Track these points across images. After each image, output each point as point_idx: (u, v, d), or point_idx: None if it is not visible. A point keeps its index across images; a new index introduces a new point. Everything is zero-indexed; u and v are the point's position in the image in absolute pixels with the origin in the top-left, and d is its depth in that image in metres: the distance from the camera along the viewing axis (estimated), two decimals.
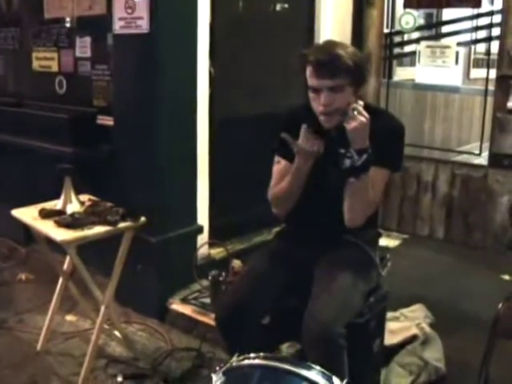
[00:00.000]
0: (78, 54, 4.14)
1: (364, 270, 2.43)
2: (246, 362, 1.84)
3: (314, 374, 1.75)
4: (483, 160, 4.73)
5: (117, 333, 3.43)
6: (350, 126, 2.20)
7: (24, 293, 4.08)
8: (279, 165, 2.51)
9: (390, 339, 2.95)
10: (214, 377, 1.78)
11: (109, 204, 3.15)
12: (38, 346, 3.37)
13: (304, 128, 2.30)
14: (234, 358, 1.87)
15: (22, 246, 4.64)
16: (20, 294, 4.06)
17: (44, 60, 4.46)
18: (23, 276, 4.27)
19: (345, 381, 1.76)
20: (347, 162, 2.26)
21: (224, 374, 1.80)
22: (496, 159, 4.57)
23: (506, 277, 4.05)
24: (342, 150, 2.27)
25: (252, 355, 1.85)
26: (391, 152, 2.41)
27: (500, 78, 4.47)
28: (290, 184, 2.41)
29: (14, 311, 3.78)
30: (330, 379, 1.75)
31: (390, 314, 3.08)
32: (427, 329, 3.11)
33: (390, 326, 3.02)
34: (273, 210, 2.54)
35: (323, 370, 1.77)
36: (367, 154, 2.22)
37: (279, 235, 2.71)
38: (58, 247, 3.05)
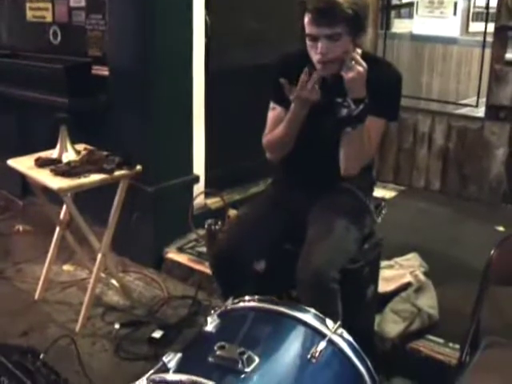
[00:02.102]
0: (72, 3, 4.06)
1: (358, 216, 2.44)
2: (241, 304, 1.87)
3: (309, 316, 1.78)
4: (480, 112, 4.69)
5: (114, 282, 3.46)
6: (348, 75, 2.18)
7: (21, 244, 4.11)
8: (274, 111, 2.49)
9: (384, 287, 2.97)
10: (210, 319, 1.79)
11: (105, 153, 3.15)
12: (36, 295, 3.40)
13: (303, 74, 2.29)
14: (229, 302, 1.90)
15: (19, 199, 4.64)
16: (17, 245, 4.09)
17: (38, 10, 4.39)
18: (20, 227, 4.29)
19: (338, 323, 1.79)
20: (344, 111, 2.26)
21: (219, 316, 1.82)
22: (492, 111, 4.54)
23: (500, 228, 4.07)
24: (339, 99, 2.26)
25: (247, 298, 1.87)
26: (388, 101, 2.38)
27: (498, 29, 4.40)
28: (285, 131, 2.39)
29: (12, 261, 3.82)
30: (323, 321, 1.78)
31: (384, 263, 3.11)
32: (421, 276, 3.14)
33: (385, 273, 3.05)
34: (267, 155, 2.54)
35: (317, 312, 1.80)
36: (364, 103, 2.21)
37: (274, 183, 2.71)
38: (54, 198, 3.07)
